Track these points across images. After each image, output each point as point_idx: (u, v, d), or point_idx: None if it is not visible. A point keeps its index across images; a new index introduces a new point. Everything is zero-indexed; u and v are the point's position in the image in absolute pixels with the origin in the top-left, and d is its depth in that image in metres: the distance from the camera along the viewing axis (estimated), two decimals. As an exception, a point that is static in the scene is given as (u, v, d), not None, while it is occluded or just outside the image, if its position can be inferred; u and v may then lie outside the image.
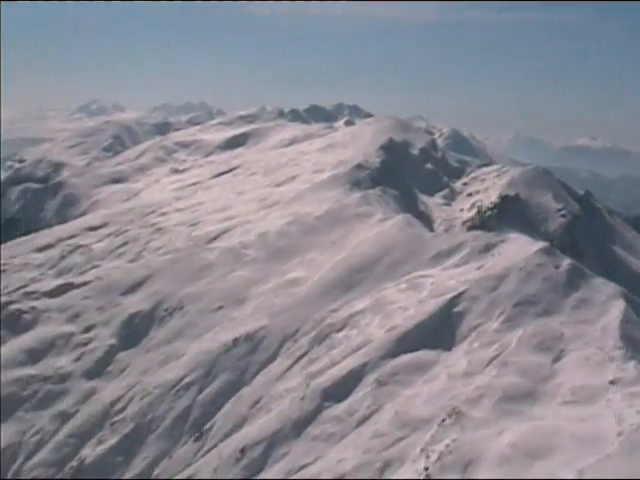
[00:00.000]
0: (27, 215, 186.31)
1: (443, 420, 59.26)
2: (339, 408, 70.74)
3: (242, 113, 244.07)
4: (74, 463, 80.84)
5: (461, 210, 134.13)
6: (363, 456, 60.91)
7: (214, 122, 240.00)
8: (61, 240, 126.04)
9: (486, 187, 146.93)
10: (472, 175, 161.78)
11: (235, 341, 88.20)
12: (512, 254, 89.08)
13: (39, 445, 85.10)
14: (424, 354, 73.51)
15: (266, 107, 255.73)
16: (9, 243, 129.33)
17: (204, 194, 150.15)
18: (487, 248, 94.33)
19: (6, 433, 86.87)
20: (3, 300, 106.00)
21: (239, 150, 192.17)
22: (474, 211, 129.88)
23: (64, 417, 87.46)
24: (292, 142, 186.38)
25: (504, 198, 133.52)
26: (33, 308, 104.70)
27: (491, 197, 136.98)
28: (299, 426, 70.92)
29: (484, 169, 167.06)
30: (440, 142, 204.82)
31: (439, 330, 76.78)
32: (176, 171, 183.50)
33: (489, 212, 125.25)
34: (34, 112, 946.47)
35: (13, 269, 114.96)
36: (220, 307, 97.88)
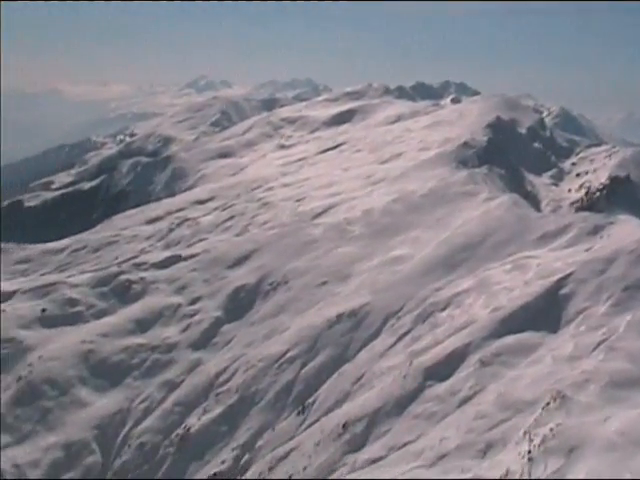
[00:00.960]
0: (137, 188, 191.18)
1: (547, 403, 58.68)
2: (441, 387, 70.81)
3: (348, 90, 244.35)
4: (180, 431, 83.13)
5: (569, 191, 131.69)
6: (465, 436, 60.87)
7: (320, 98, 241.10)
8: (169, 213, 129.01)
9: (595, 168, 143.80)
10: (581, 155, 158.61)
11: (339, 317, 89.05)
12: (622, 237, 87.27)
13: (146, 412, 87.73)
14: (529, 336, 72.82)
15: (372, 84, 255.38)
16: (120, 215, 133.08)
17: (310, 170, 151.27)
18: (595, 230, 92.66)
19: (115, 399, 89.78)
20: (113, 270, 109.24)
21: (345, 126, 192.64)
22: (582, 192, 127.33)
23: (170, 386, 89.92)
24: (398, 119, 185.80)
25: (614, 179, 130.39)
26: (142, 279, 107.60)
27: (600, 178, 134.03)
28: (401, 404, 71.30)
29: (594, 149, 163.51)
30: (548, 121, 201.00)
31: (545, 312, 75.92)
32: (282, 147, 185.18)
33: (598, 193, 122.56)
34: (145, 88, 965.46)
35: (124, 240, 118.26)
36: (324, 283, 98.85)
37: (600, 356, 63.19)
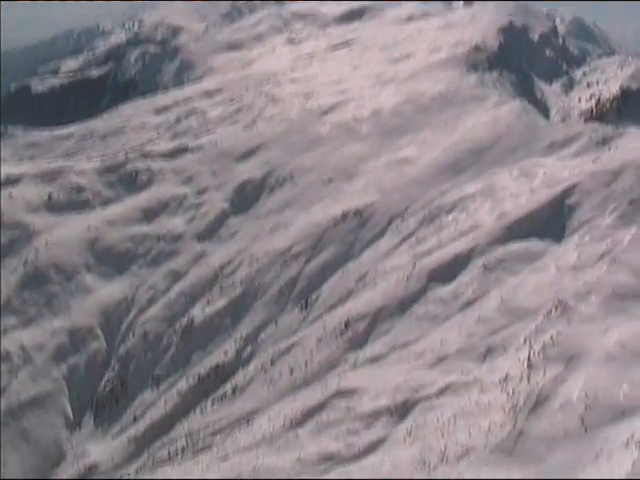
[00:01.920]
0: (145, 77, 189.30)
1: (549, 312, 59.88)
2: (445, 290, 71.99)
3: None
4: (184, 321, 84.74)
5: (579, 100, 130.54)
6: (467, 340, 62.28)
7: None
8: (177, 104, 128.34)
9: (607, 78, 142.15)
10: (593, 65, 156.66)
11: (344, 215, 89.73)
12: (630, 149, 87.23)
13: (151, 301, 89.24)
14: (533, 244, 73.66)
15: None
16: (127, 104, 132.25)
17: (319, 66, 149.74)
18: (604, 141, 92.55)
19: (120, 287, 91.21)
20: (120, 159, 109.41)
21: (355, 24, 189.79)
22: (592, 102, 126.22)
23: (175, 276, 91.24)
24: (409, 19, 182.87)
25: (625, 91, 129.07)
26: (149, 168, 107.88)
27: (611, 89, 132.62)
28: (404, 304, 72.58)
29: (606, 59, 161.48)
30: (561, 29, 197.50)
31: (550, 221, 76.60)
32: (292, 41, 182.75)
33: (608, 104, 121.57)
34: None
35: (131, 129, 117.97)
36: (330, 180, 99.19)
37: (603, 267, 64.10)
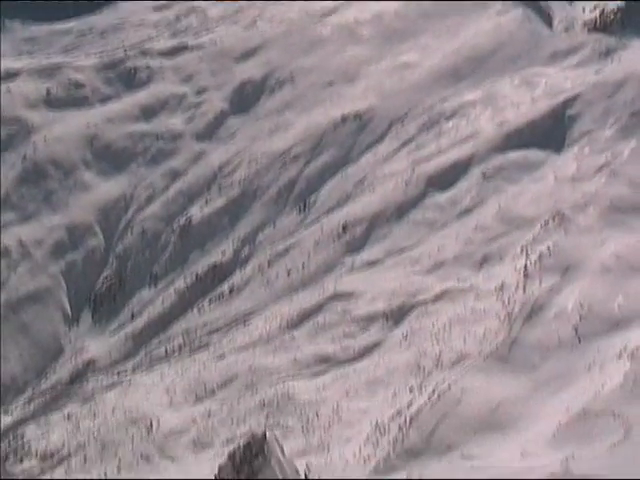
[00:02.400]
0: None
1: (546, 222, 60.46)
2: (443, 197, 72.35)
3: None
4: (182, 220, 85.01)
5: (583, 10, 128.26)
6: (464, 247, 63.00)
7: None
8: (177, 1, 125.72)
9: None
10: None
11: (344, 118, 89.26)
12: (633, 61, 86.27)
13: (149, 199, 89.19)
14: (533, 153, 73.73)
15: None
16: (127, 0, 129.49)
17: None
18: (607, 52, 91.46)
19: (119, 184, 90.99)
20: (119, 56, 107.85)
21: None
22: (597, 12, 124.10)
23: (174, 175, 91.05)
24: None
25: (630, 2, 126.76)
26: (148, 66, 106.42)
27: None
28: (402, 210, 73.02)
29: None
30: None
31: (550, 131, 76.45)
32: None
33: (612, 15, 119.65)
34: None
35: (130, 26, 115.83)
36: (330, 83, 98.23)
37: (602, 180, 64.44)
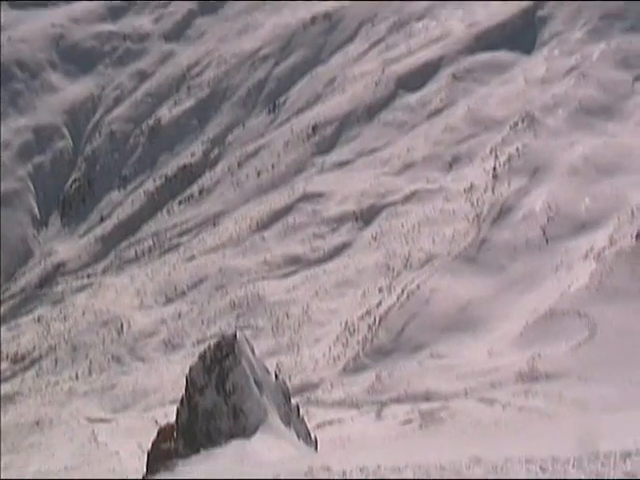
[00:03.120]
0: None
1: (516, 123, 60.42)
2: (413, 98, 71.93)
3: None
4: (151, 121, 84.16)
5: None
6: (433, 148, 62.98)
7: None
8: None
9: None
10: None
11: (313, 18, 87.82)
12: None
13: (117, 100, 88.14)
14: (503, 54, 73.13)
15: None
16: None
17: None
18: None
19: (86, 85, 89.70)
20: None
21: None
22: None
23: (142, 76, 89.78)
24: None
25: None
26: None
27: None
28: (372, 110, 72.61)
29: None
30: None
31: (520, 32, 75.56)
32: None
33: None
34: None
35: None
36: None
37: (571, 82, 64.16)
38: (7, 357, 60.02)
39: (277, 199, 68.09)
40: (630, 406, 25.90)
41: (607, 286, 41.20)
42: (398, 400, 33.41)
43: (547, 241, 48.39)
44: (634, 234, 44.12)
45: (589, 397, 28.39)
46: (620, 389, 30.27)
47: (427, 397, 34.23)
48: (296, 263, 59.39)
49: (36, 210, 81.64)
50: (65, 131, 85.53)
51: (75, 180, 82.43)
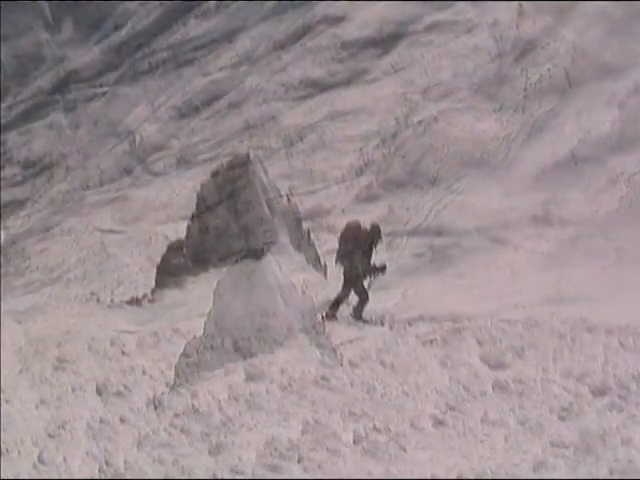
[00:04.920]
0: None
1: (552, -44, 57.76)
2: None
3: None
4: None
5: None
6: (463, -23, 60.56)
7: None
8: None
9: None
10: None
11: None
12: None
13: None
14: None
15: None
16: None
17: None
18: None
19: None
20: None
21: None
22: None
23: None
24: None
25: None
26: None
27: None
28: None
29: None
30: None
31: None
32: None
33: None
34: None
35: None
36: None
37: None
38: (18, 162, 59.73)
39: (297, 19, 66.00)
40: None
41: (628, 133, 40.44)
42: (410, 233, 33.26)
43: (570, 84, 47.13)
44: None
45: (604, 246, 28.06)
46: (636, 241, 29.99)
47: (439, 232, 34.08)
48: (313, 86, 58.09)
49: (48, 13, 79.38)
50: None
51: (91, -15, 79.85)
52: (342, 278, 17.92)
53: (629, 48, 50.39)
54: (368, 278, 17.49)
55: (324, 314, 17.17)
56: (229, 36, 69.95)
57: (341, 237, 17.78)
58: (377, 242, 17.43)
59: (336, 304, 17.54)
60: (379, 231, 17.49)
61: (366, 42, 61.68)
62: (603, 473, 7.37)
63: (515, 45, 54.49)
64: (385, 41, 60.81)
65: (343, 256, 17.56)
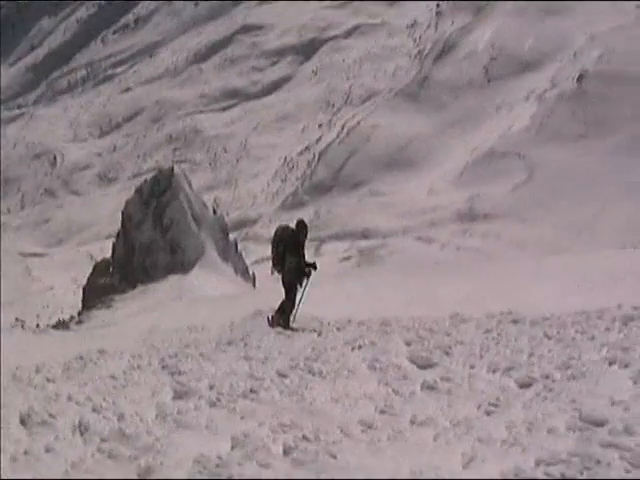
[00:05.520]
0: None
1: (463, -44, 58.46)
2: None
3: None
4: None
5: None
6: (378, -20, 61.10)
7: None
8: None
9: None
10: None
11: None
12: None
13: None
14: None
15: None
16: None
17: None
18: None
19: None
20: None
21: None
22: None
23: None
24: None
25: None
26: None
27: None
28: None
29: None
30: None
31: None
32: None
33: None
34: None
35: None
36: None
37: None
38: None
39: (215, 30, 66.24)
40: (565, 247, 26.14)
41: (547, 128, 41.29)
42: (336, 237, 33.55)
43: (489, 81, 47.94)
44: (576, 77, 43.95)
45: (526, 238, 28.69)
46: (556, 230, 30.61)
47: (365, 235, 34.42)
48: (235, 97, 58.39)
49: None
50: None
51: (2, 7, 78.88)
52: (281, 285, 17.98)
53: (546, 43, 51.50)
54: (304, 280, 17.57)
55: (269, 319, 17.25)
56: (149, 50, 69.70)
57: (272, 242, 17.88)
58: (305, 238, 17.52)
59: (282, 311, 17.59)
60: (305, 226, 17.58)
61: (286, 49, 62.05)
62: (529, 463, 7.49)
63: (434, 45, 55.35)
64: (306, 47, 61.20)
65: (277, 261, 17.64)
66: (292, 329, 17.05)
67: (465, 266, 24.05)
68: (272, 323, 17.57)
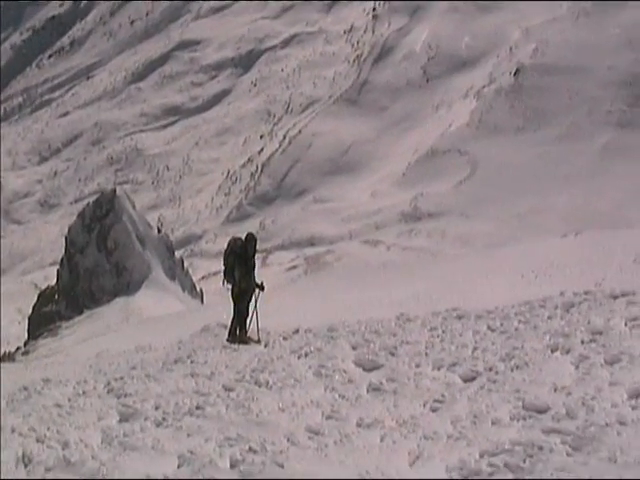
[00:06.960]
0: None
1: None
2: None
3: None
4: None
5: None
6: None
7: None
8: None
9: None
10: None
11: None
12: None
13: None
14: None
15: None
16: None
17: None
18: None
19: None
20: None
21: None
22: None
23: None
24: None
25: None
26: None
27: None
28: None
29: None
30: None
31: None
32: None
33: None
34: None
35: None
36: None
37: None
38: None
39: (152, 48, 65.92)
40: (510, 240, 26.39)
41: (487, 123, 41.63)
42: (283, 247, 33.50)
43: (428, 80, 48.30)
44: (513, 71, 44.46)
45: (471, 233, 28.91)
46: (500, 224, 30.87)
47: (312, 242, 34.42)
48: (175, 113, 58.12)
49: None
50: None
51: None
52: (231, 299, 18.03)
53: (482, 40, 52.03)
54: (256, 292, 17.69)
55: (228, 339, 17.28)
56: (86, 72, 69.21)
57: (224, 254, 18.03)
58: (254, 250, 17.65)
59: (234, 325, 17.62)
60: (253, 238, 17.72)
61: (225, 63, 61.98)
62: (474, 456, 7.53)
63: (372, 48, 55.64)
64: (244, 60, 61.21)
65: (228, 274, 17.76)
66: (240, 341, 17.01)
67: (412, 266, 24.17)
68: (233, 341, 17.52)
